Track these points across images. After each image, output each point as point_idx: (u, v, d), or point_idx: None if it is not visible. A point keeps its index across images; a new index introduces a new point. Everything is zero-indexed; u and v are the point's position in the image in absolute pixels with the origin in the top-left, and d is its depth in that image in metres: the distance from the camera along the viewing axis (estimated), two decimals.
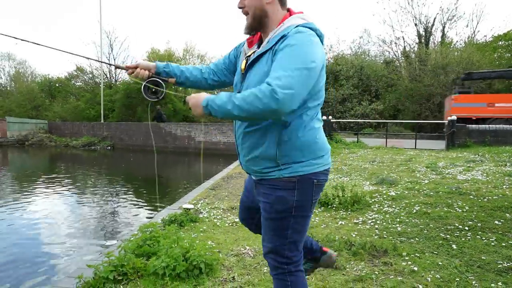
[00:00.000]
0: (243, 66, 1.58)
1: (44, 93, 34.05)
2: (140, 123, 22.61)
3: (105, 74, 32.64)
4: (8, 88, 37.77)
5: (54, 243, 5.03)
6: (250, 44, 1.64)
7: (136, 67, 1.78)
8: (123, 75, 33.75)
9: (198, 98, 1.43)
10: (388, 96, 23.25)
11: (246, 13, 1.54)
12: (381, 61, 27.22)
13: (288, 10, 1.56)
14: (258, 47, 1.58)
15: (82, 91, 33.25)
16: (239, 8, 1.56)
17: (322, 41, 1.49)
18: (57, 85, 34.65)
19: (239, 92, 1.48)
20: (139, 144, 21.32)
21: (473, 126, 12.78)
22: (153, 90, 1.79)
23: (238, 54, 1.75)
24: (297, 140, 1.48)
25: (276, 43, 1.43)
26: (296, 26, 1.43)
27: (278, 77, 1.29)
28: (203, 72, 1.83)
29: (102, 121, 25.96)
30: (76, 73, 34.14)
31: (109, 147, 21.73)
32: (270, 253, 1.59)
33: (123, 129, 22.24)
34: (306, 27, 1.43)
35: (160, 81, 1.78)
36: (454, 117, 12.54)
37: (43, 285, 3.70)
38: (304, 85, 1.33)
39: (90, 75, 33.95)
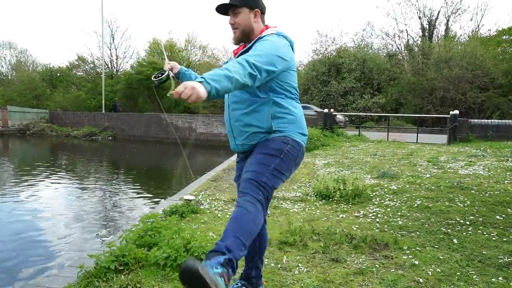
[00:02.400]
0: None
1: (45, 83, 33.97)
2: (141, 114, 22.59)
3: (106, 64, 32.51)
4: (9, 77, 37.67)
5: (55, 232, 5.05)
6: (235, 54, 1.99)
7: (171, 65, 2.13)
8: (125, 66, 33.58)
9: (195, 84, 1.42)
10: (390, 90, 23.12)
11: (235, 29, 1.89)
12: (384, 54, 27.04)
13: (266, 25, 1.96)
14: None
15: (83, 81, 33.18)
16: (230, 24, 1.90)
17: (292, 47, 1.89)
18: (58, 74, 34.55)
19: None
20: (139, 135, 21.32)
21: (475, 120, 12.72)
22: (159, 76, 2.09)
23: None
24: (287, 116, 1.85)
25: (254, 43, 1.81)
26: (271, 33, 1.84)
27: (248, 55, 1.63)
28: None
29: (103, 111, 25.94)
30: (77, 63, 34.04)
31: (110, 138, 21.74)
32: (249, 179, 1.70)
33: (124, 119, 22.23)
34: (279, 34, 1.85)
35: (167, 72, 2.07)
36: (456, 112, 12.47)
37: (44, 274, 3.72)
38: (271, 63, 1.66)
39: (92, 65, 33.87)
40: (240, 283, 2.17)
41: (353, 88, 23.22)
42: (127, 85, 26.23)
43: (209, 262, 1.40)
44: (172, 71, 2.09)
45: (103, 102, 26.59)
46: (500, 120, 12.76)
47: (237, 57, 1.86)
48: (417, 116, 17.72)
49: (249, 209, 1.61)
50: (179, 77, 2.13)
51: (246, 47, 1.88)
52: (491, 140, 11.58)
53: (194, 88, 1.40)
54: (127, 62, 40.23)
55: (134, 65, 29.82)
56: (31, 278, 3.65)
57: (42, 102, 31.60)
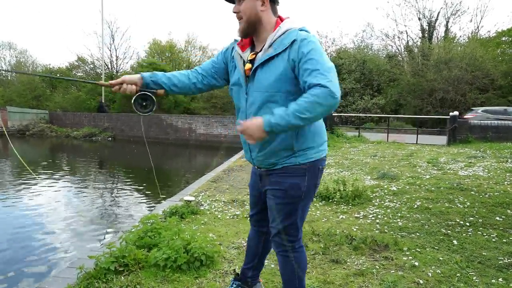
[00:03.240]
0: (247, 68, 1.69)
1: (45, 83, 33.92)
2: (140, 115, 22.54)
3: (106, 65, 32.51)
4: (9, 78, 37.62)
5: (54, 233, 5.05)
6: (242, 48, 1.74)
7: (121, 83, 1.76)
8: (125, 66, 33.59)
9: (257, 125, 1.45)
10: (390, 91, 23.11)
11: (240, 18, 1.65)
12: (384, 56, 27.03)
13: (279, 17, 1.70)
14: (252, 50, 1.71)
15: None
16: (234, 12, 1.66)
17: None
18: (58, 75, 34.51)
19: (246, 93, 1.69)
20: (139, 136, 21.31)
21: (475, 121, 12.73)
22: (144, 104, 1.80)
23: (228, 58, 1.83)
24: (310, 128, 1.66)
25: (287, 47, 1.55)
26: (300, 30, 1.59)
27: (325, 77, 1.42)
28: (190, 78, 1.85)
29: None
30: (77, 63, 34.03)
31: (110, 138, 21.73)
32: (279, 234, 1.75)
33: (124, 120, 22.23)
34: (304, 30, 1.60)
35: (150, 94, 1.78)
36: (456, 113, 12.48)
37: (44, 275, 3.72)
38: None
39: (91, 66, 33.84)
40: (235, 284, 2.15)
41: (353, 89, 23.22)
42: None
43: None
44: (143, 92, 1.78)
45: (102, 103, 26.58)
46: (499, 121, 12.75)
47: (260, 63, 1.61)
48: (417, 117, 17.72)
49: (291, 260, 1.79)
50: (152, 87, 1.80)
51: (271, 51, 1.59)
52: (491, 141, 11.59)
53: (254, 136, 1.49)
54: (127, 63, 40.13)
55: (134, 65, 29.84)
56: (30, 279, 3.64)
57: (41, 102, 31.56)
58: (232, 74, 1.80)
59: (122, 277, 2.46)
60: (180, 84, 1.83)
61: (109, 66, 33.55)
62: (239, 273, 2.18)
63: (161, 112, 24.78)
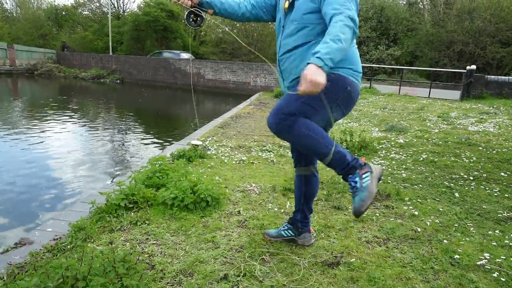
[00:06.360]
0: (286, 6, 1.84)
1: (50, 21, 33.10)
2: (149, 58, 22.14)
3: (112, 4, 31.37)
4: (14, 14, 36.65)
5: (65, 172, 5.22)
6: None
7: None
8: (132, 6, 32.41)
9: (312, 70, 1.44)
10: (407, 41, 22.16)
11: None
12: (404, 3, 25.53)
13: None
14: None
15: (89, 20, 32.29)
16: None
17: None
18: (63, 13, 33.54)
19: (283, 26, 1.86)
20: (148, 79, 21.11)
21: (492, 77, 12.30)
22: (195, 19, 2.05)
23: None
24: None
25: None
26: None
27: (343, 5, 1.56)
28: (240, 6, 2.07)
29: (110, 53, 25.50)
30: (83, 1, 32.89)
31: (118, 81, 21.59)
32: (275, 110, 1.76)
33: (132, 62, 21.88)
34: None
35: (202, 13, 2.04)
36: (473, 67, 12.03)
37: (57, 209, 3.91)
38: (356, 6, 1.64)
39: (97, 4, 32.72)
40: (287, 226, 2.25)
41: (368, 38, 22.30)
42: (134, 27, 25.45)
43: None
44: (196, 8, 2.02)
45: (110, 43, 26.05)
46: None
47: (289, 4, 1.78)
48: (431, 70, 17.15)
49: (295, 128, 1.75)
50: (205, 7, 2.02)
51: None
52: (506, 98, 11.29)
53: (315, 81, 1.43)
54: (133, 2, 38.71)
55: (141, 5, 28.72)
56: (45, 213, 3.84)
57: (48, 41, 31.02)
58: (277, 13, 1.97)
59: (132, 213, 2.58)
60: (230, 10, 2.04)
61: (116, 5, 32.39)
62: (291, 217, 2.26)
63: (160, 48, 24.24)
